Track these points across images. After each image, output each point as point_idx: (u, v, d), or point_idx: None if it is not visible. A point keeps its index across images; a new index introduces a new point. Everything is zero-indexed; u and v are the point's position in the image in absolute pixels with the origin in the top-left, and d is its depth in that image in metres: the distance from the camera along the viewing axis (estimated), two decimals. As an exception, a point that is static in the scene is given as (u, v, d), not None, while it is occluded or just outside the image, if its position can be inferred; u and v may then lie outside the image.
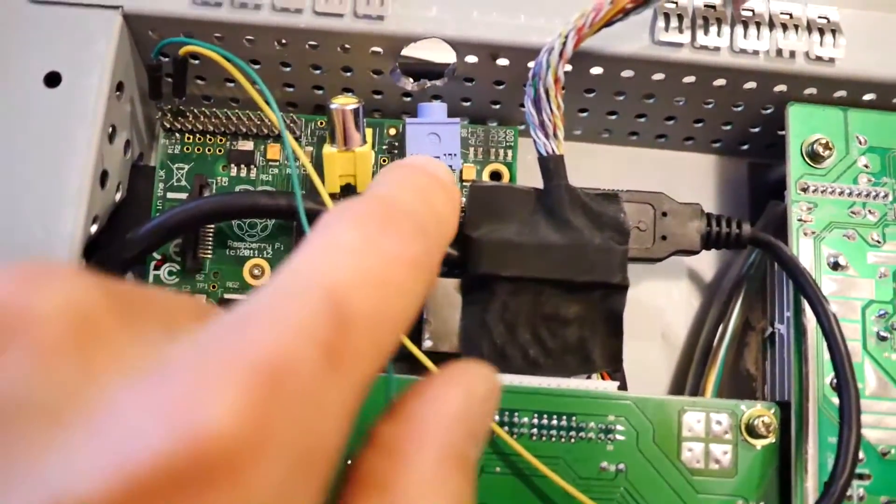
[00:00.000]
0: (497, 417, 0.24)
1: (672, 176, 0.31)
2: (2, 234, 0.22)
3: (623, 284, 0.25)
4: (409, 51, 0.26)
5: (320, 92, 0.29)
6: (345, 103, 0.25)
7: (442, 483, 0.13)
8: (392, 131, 0.29)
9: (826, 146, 0.26)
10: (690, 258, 0.29)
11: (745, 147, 0.31)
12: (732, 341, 0.28)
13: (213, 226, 0.28)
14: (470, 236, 0.25)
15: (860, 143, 0.27)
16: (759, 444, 0.24)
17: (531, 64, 0.26)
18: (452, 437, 0.13)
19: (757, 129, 0.30)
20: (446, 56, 0.26)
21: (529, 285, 0.25)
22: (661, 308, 0.30)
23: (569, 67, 0.25)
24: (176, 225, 0.25)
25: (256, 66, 0.27)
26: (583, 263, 0.25)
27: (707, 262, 0.30)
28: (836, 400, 0.24)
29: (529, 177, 0.27)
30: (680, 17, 0.26)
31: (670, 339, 0.30)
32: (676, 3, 0.26)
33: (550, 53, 0.24)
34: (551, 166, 0.25)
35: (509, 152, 0.29)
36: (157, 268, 0.28)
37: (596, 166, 0.31)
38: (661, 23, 0.26)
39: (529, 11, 0.26)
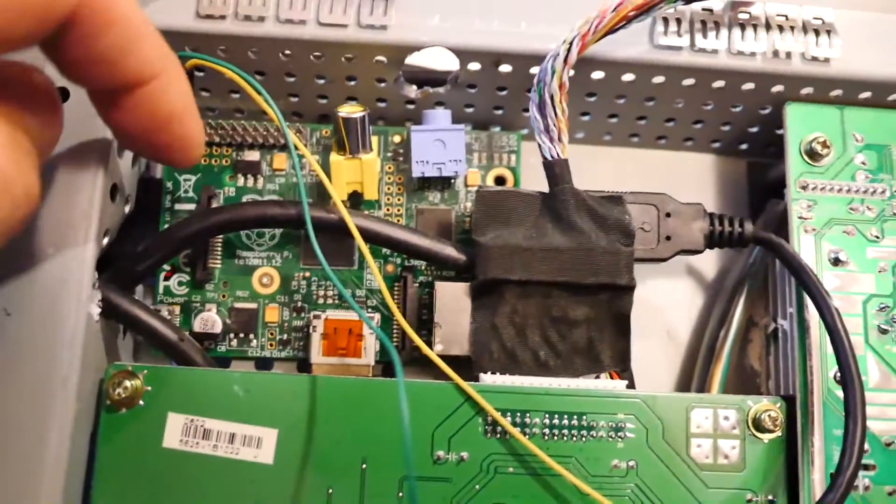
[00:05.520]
0: (510, 418, 0.24)
1: (672, 176, 0.32)
2: (15, 251, 0.23)
3: (630, 285, 0.25)
4: (413, 59, 0.27)
5: (325, 101, 0.29)
6: (351, 111, 0.26)
7: None
8: (397, 138, 0.29)
9: (824, 144, 0.27)
10: (693, 257, 0.30)
11: (744, 147, 0.32)
12: (736, 338, 0.28)
13: (221, 236, 0.28)
14: (478, 241, 0.25)
15: (857, 140, 0.27)
16: (766, 438, 0.25)
17: (534, 70, 0.26)
18: None
19: (755, 129, 0.30)
20: (449, 63, 0.27)
21: (538, 288, 0.25)
22: (664, 307, 0.31)
23: (571, 72, 0.26)
24: (188, 237, 0.25)
25: (261, 78, 0.28)
26: (590, 266, 0.25)
27: (709, 261, 0.31)
28: (840, 393, 0.24)
29: (533, 181, 0.28)
30: (678, 21, 0.26)
31: (675, 337, 0.30)
32: (675, 7, 0.26)
33: (555, 59, 0.24)
34: (556, 170, 0.25)
35: (513, 157, 0.29)
36: (166, 278, 0.28)
37: (597, 168, 0.32)
38: (660, 27, 0.26)
39: (530, 19, 0.26)
